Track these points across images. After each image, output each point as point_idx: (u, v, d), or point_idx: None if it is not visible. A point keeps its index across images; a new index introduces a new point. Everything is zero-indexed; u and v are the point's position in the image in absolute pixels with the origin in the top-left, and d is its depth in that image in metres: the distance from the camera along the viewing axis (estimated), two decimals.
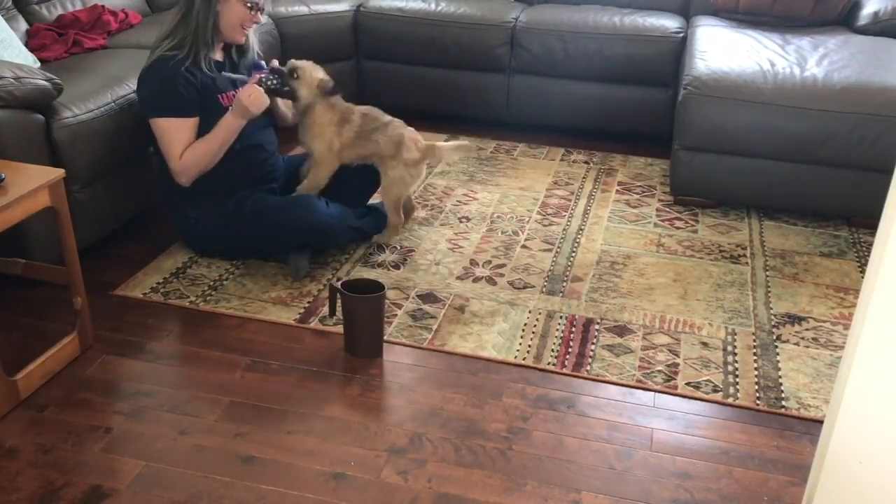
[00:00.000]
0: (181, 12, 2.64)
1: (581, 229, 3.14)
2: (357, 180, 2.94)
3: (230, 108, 2.64)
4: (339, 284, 2.37)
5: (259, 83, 2.65)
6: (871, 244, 2.92)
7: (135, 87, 2.83)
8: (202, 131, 2.65)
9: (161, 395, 2.20)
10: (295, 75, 2.76)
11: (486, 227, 3.13)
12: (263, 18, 2.78)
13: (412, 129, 2.92)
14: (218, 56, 2.73)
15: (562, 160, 3.77)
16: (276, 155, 2.90)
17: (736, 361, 2.40)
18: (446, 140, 3.03)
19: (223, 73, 2.69)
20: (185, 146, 2.62)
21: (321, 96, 2.79)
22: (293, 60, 2.80)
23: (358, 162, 2.89)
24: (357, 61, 4.16)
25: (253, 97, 2.59)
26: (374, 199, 3.06)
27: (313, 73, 2.79)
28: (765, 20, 3.83)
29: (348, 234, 2.88)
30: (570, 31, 3.83)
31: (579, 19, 3.88)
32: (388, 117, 2.89)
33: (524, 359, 2.38)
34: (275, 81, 2.71)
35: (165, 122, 2.61)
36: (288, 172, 2.95)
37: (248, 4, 2.64)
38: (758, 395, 2.26)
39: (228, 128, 2.63)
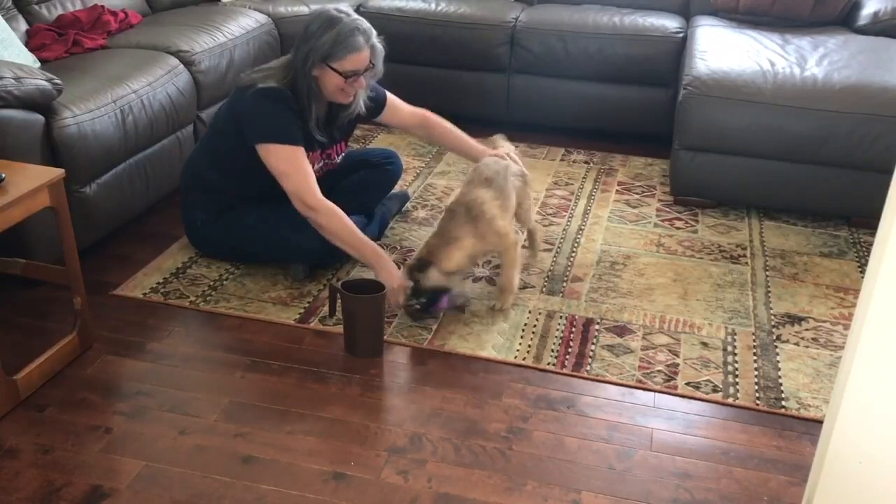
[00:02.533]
0: (285, 70, 2.57)
1: (581, 229, 3.14)
2: (368, 183, 2.92)
3: (378, 255, 2.52)
4: (339, 284, 2.37)
5: (407, 306, 2.48)
6: (871, 244, 2.93)
7: (135, 88, 2.84)
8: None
9: (161, 395, 2.20)
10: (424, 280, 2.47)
11: None
12: (368, 79, 2.63)
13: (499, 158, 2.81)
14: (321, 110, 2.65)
15: (562, 160, 3.77)
16: None
17: (736, 361, 2.40)
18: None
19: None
20: (312, 178, 2.54)
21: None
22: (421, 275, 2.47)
23: None
24: None
25: (392, 297, 2.47)
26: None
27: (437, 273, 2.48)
28: (765, 20, 3.83)
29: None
30: (570, 31, 3.84)
31: (579, 19, 3.89)
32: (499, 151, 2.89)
33: (524, 359, 2.38)
34: (417, 307, 2.48)
35: (290, 149, 2.52)
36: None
37: (346, 75, 2.53)
38: (758, 395, 2.26)
39: (364, 253, 2.54)
